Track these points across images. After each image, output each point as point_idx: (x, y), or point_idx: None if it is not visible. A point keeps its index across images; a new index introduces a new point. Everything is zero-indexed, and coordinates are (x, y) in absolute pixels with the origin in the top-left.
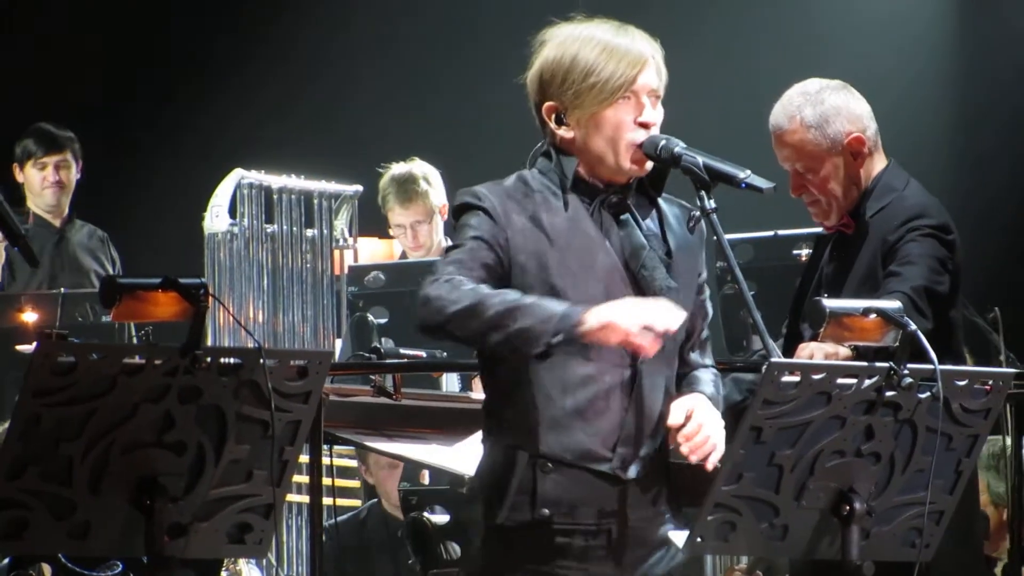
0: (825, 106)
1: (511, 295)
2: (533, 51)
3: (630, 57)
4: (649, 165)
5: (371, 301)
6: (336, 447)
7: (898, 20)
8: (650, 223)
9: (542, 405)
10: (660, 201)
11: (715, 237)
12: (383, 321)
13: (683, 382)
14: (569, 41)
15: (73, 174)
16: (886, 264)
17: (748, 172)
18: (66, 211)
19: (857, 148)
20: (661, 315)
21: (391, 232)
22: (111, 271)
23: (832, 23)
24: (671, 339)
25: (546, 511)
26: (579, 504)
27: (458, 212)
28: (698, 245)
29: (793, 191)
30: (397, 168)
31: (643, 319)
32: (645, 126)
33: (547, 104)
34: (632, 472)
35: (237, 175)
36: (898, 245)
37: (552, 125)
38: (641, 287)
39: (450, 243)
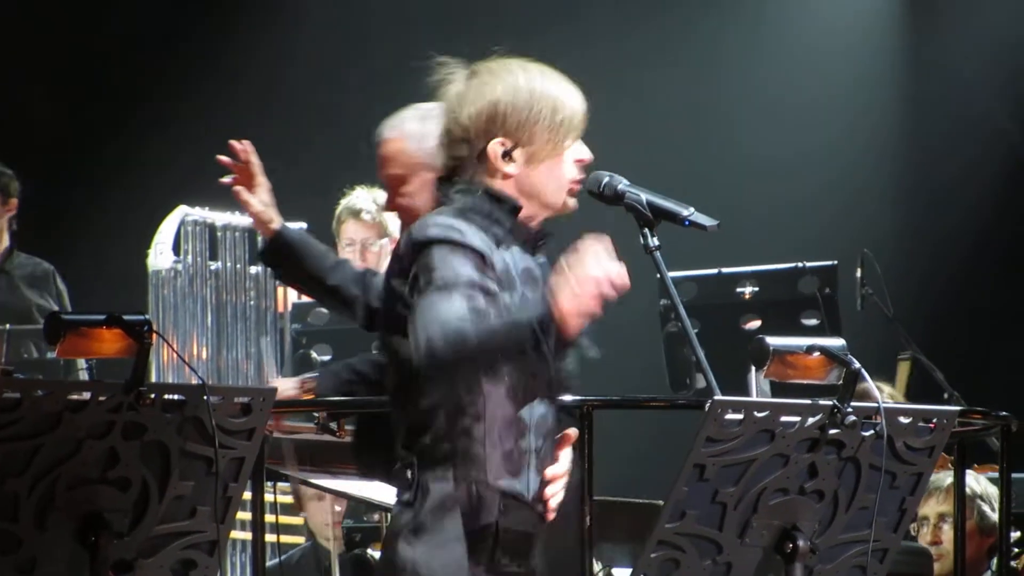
0: (430, 123)
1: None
2: (455, 85)
3: (577, 100)
4: (574, 205)
5: (314, 338)
6: (280, 484)
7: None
8: None
9: (509, 443)
10: None
11: (659, 275)
12: (327, 358)
13: None
14: (522, 79)
15: (8, 209)
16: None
17: (691, 209)
18: (5, 244)
19: None
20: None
21: (339, 250)
22: (55, 305)
23: (780, 57)
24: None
25: (503, 553)
26: (529, 544)
27: (439, 244)
28: None
29: (387, 205)
30: (358, 190)
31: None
32: (581, 162)
33: (495, 140)
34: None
35: (181, 212)
36: None
37: (499, 162)
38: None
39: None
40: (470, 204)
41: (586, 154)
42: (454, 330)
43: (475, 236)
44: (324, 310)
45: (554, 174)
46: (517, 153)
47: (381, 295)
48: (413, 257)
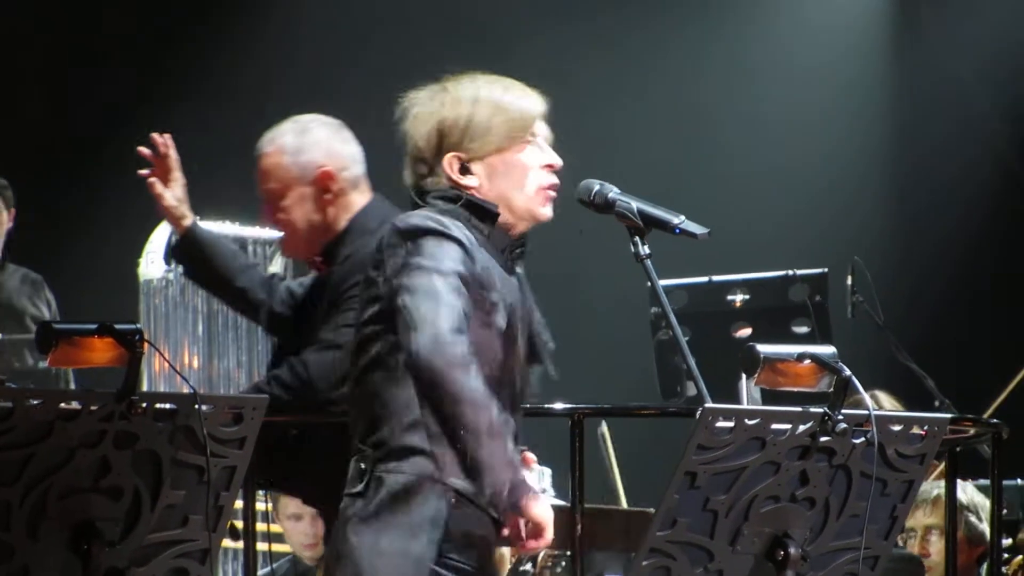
0: (306, 136)
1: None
2: (409, 111)
3: (526, 102)
4: (550, 212)
5: None
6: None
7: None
8: None
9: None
10: None
11: (649, 283)
12: None
13: None
14: (465, 92)
15: (4, 221)
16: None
17: (682, 218)
18: None
19: (326, 183)
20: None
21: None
22: (47, 314)
23: (770, 65)
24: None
25: (452, 548)
26: (483, 544)
27: (424, 234)
28: None
29: (263, 218)
30: None
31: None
32: (550, 167)
33: (448, 156)
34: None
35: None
36: (345, 295)
37: (456, 176)
38: (535, 344)
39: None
40: (449, 209)
41: (554, 159)
42: (446, 362)
43: (459, 231)
44: None
45: (519, 181)
46: (474, 166)
47: (291, 300)
48: (399, 244)
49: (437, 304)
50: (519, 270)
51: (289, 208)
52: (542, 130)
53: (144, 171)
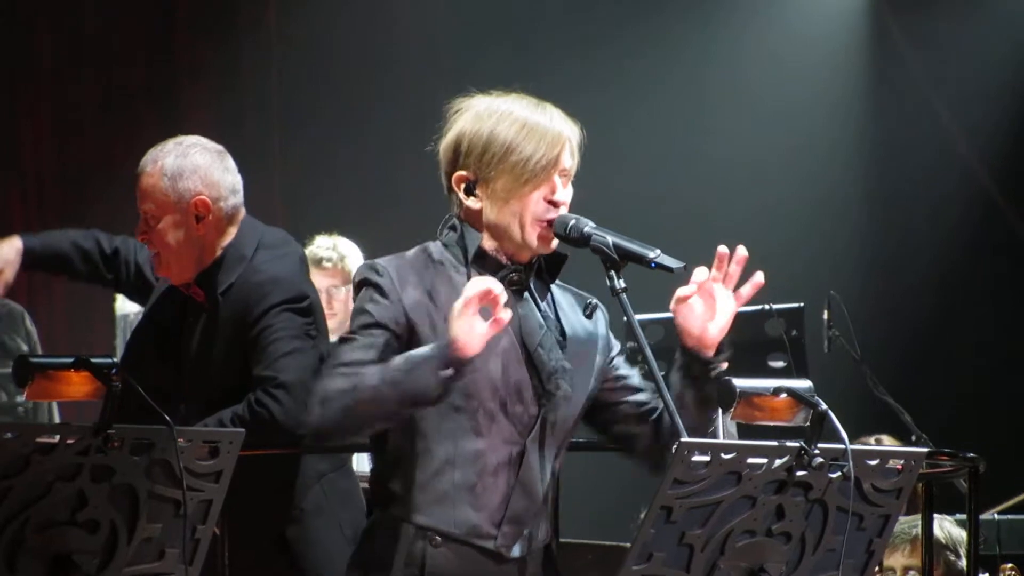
0: (187, 160)
1: (379, 367)
2: (448, 119)
3: (550, 137)
4: (555, 243)
5: None
6: None
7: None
8: (545, 306)
9: (431, 478)
10: (554, 287)
11: (625, 317)
12: None
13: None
14: (487, 114)
15: None
16: (253, 345)
17: (658, 252)
18: None
19: (202, 212)
20: (480, 285)
21: None
22: (25, 347)
23: (747, 99)
24: (562, 421)
25: None
26: None
27: (357, 288)
28: (594, 329)
29: (138, 235)
30: (319, 239)
31: (469, 296)
32: (555, 204)
33: (458, 174)
34: (516, 551)
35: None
36: (260, 334)
37: (461, 195)
38: (535, 365)
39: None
40: (443, 238)
41: (561, 196)
42: (326, 396)
43: (393, 273)
44: None
45: (516, 212)
46: (480, 188)
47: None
48: None
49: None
50: (524, 295)
51: (163, 231)
52: (560, 159)
53: None
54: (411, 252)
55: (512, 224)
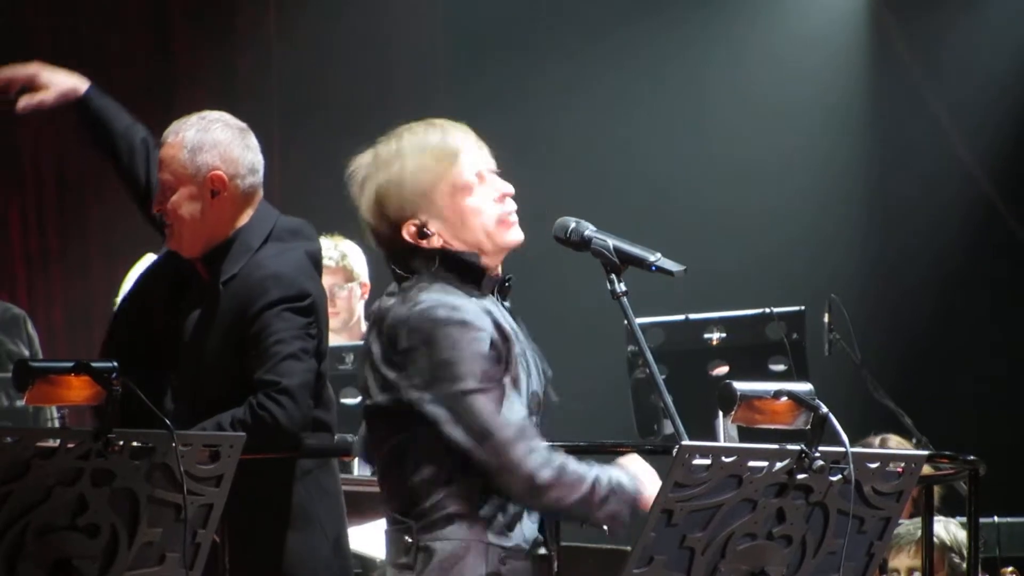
0: (207, 135)
1: (602, 477)
2: (355, 189)
3: (450, 140)
4: (517, 230)
5: (341, 383)
6: None
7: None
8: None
9: (493, 500)
10: None
11: (626, 321)
12: (354, 401)
13: None
14: (386, 160)
15: None
16: (250, 342)
17: (658, 255)
18: None
19: (218, 187)
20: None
21: None
22: (26, 351)
23: (747, 103)
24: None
25: None
26: None
27: (448, 325)
28: None
29: (155, 205)
30: (320, 240)
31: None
32: (502, 196)
33: (405, 226)
34: (544, 548)
35: (148, 260)
36: (259, 335)
37: (419, 242)
38: (544, 376)
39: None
40: (441, 275)
41: (503, 187)
42: (553, 477)
43: (473, 310)
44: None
45: (476, 221)
46: (431, 225)
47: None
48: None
49: (486, 418)
50: (507, 304)
51: (178, 203)
52: (481, 161)
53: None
54: (459, 294)
55: (476, 233)
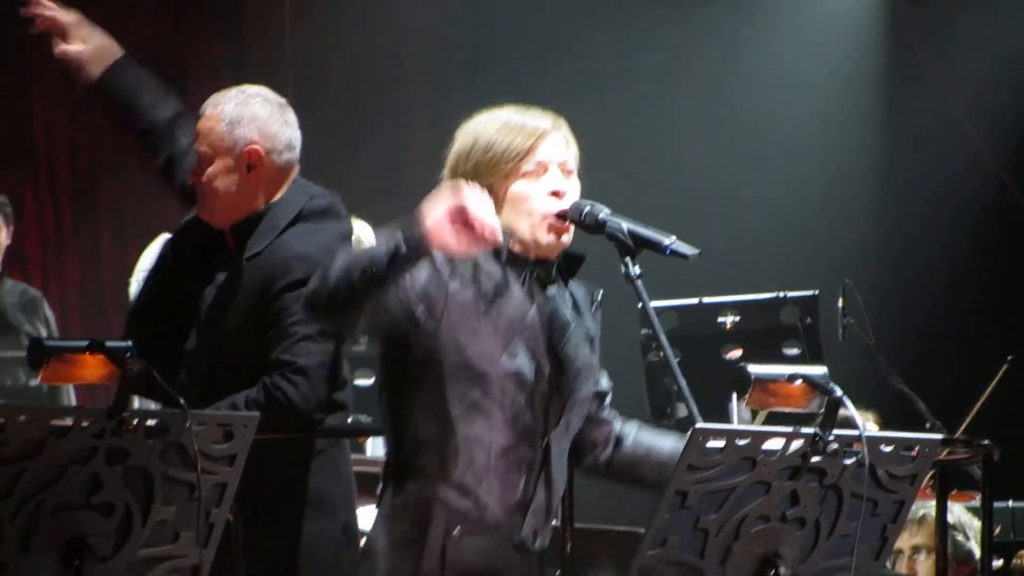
0: (246, 108)
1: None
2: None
3: (527, 130)
4: (567, 238)
5: (355, 363)
6: None
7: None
8: (570, 304)
9: (459, 466)
10: (572, 283)
11: (640, 304)
12: (368, 382)
13: (626, 439)
14: (473, 127)
15: (3, 238)
16: (269, 322)
17: (673, 238)
18: None
19: (254, 161)
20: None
21: None
22: (43, 331)
23: (760, 87)
24: (578, 419)
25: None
26: (488, 572)
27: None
28: (596, 327)
29: (190, 177)
30: None
31: (455, 206)
32: (556, 195)
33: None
34: (537, 544)
35: (163, 240)
36: (279, 316)
37: None
38: (561, 362)
39: None
40: None
41: (560, 186)
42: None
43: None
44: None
45: (521, 209)
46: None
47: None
48: None
49: None
50: (552, 291)
51: (213, 175)
52: (553, 154)
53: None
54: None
55: (520, 223)
